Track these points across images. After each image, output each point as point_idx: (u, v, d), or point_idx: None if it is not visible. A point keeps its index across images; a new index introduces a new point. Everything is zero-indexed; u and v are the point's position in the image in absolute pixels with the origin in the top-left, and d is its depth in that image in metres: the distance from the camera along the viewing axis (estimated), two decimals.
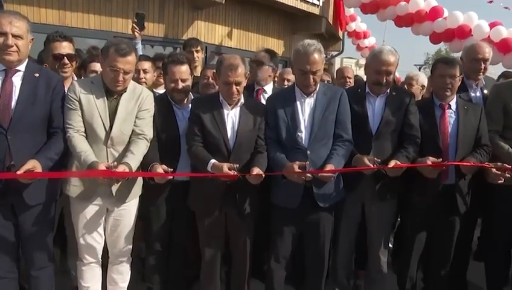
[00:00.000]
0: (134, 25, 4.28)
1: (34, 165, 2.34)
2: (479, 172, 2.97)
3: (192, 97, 3.04)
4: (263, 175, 2.66)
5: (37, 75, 2.50)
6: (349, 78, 4.51)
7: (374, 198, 3.02)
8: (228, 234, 2.99)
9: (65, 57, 3.04)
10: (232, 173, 2.56)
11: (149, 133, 2.74)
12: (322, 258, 2.97)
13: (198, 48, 4.34)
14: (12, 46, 2.36)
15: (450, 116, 3.00)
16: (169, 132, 2.88)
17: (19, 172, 2.27)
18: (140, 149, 2.66)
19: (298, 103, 2.83)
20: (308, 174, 2.65)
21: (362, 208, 3.12)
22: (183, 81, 2.90)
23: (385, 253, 3.18)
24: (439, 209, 3.03)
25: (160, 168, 2.65)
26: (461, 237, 3.17)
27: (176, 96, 2.93)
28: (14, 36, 2.36)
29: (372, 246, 3.18)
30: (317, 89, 2.83)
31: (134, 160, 2.58)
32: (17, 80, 2.44)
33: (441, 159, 2.81)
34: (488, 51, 3.39)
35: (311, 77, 2.74)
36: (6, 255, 2.54)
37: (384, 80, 2.92)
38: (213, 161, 2.68)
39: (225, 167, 2.59)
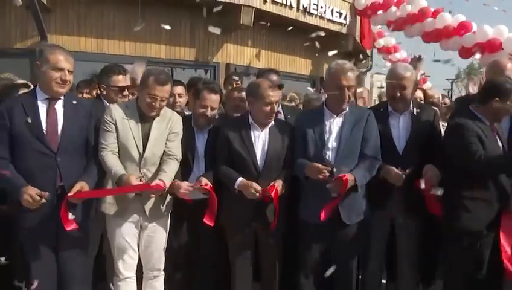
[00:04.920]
0: None
1: (82, 186, 2.56)
2: None
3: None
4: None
5: (75, 102, 2.73)
6: (364, 98, 4.51)
7: (403, 213, 3.01)
8: (258, 251, 3.06)
9: (126, 89, 3.35)
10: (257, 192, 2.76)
11: (178, 154, 2.90)
12: (350, 275, 2.99)
13: (239, 82, 4.58)
14: (67, 81, 2.61)
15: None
16: (188, 153, 3.02)
17: (69, 194, 2.50)
18: (172, 168, 2.83)
19: (327, 122, 2.92)
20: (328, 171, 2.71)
21: (391, 223, 3.11)
22: (212, 109, 3.05)
23: (414, 268, 3.16)
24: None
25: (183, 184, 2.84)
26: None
27: (202, 121, 3.07)
28: (68, 72, 2.61)
29: (401, 262, 3.16)
30: (347, 109, 2.92)
31: (167, 177, 2.76)
32: (59, 107, 2.66)
33: None
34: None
35: (347, 92, 2.83)
36: (47, 276, 2.63)
37: (398, 94, 2.96)
38: (241, 178, 2.82)
39: (254, 187, 2.77)
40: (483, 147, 2.79)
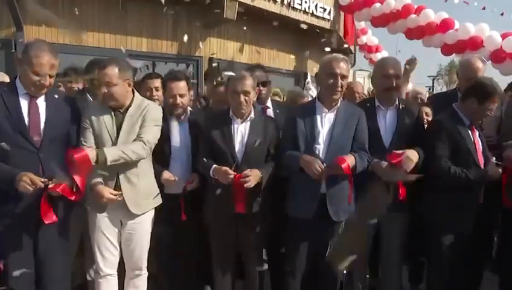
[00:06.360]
0: None
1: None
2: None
3: (189, 113, 3.16)
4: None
5: (56, 96, 2.67)
6: (358, 93, 4.52)
7: (387, 212, 2.98)
8: (240, 246, 3.01)
9: None
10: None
11: (146, 137, 2.76)
12: (335, 271, 2.97)
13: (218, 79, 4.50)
14: (47, 85, 2.54)
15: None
16: (165, 144, 2.99)
17: (50, 185, 2.44)
18: (130, 146, 2.71)
19: (319, 116, 2.89)
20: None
21: (377, 221, 3.09)
22: (181, 96, 3.04)
23: (398, 266, 3.17)
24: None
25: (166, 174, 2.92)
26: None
27: (175, 110, 3.06)
28: (50, 76, 2.53)
29: (385, 259, 3.17)
30: (339, 104, 2.89)
31: (111, 150, 2.64)
32: (40, 102, 2.60)
33: None
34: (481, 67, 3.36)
35: (340, 80, 2.80)
36: (25, 271, 2.57)
37: (394, 83, 2.98)
38: (214, 165, 2.81)
39: (223, 169, 2.74)
40: (456, 150, 2.84)
